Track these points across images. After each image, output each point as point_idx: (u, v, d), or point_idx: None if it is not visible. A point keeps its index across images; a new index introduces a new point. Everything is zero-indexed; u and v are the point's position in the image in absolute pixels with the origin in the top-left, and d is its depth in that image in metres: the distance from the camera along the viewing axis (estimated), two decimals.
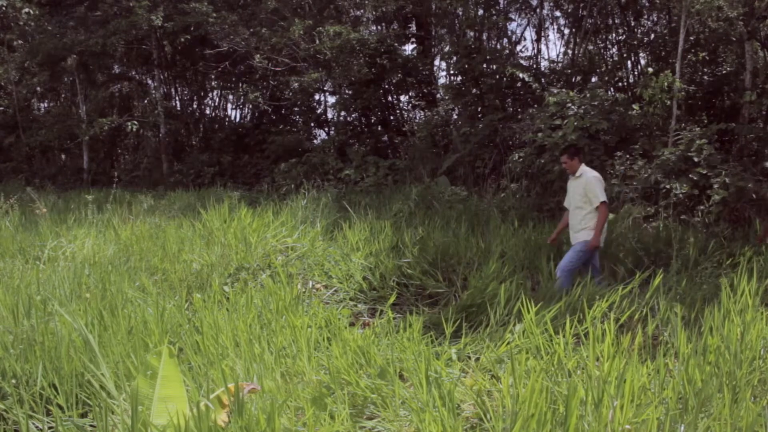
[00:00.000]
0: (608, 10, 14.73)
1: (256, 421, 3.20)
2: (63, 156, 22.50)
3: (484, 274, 6.58)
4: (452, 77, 16.73)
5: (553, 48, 43.21)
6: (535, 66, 15.69)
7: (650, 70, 12.58)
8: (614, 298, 5.31)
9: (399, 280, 7.31)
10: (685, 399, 3.55)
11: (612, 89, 14.22)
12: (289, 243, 8.39)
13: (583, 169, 6.97)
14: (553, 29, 19.01)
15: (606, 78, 14.45)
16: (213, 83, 21.41)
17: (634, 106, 11.34)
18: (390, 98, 18.51)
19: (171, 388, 3.39)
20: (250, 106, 19.96)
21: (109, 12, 18.48)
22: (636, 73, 14.53)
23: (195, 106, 22.04)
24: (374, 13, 17.38)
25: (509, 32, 16.59)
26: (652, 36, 14.26)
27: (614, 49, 15.31)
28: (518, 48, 16.59)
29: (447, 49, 16.74)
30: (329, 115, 19.76)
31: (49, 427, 3.75)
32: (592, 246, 6.72)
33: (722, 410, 3.36)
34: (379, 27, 18.26)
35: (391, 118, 18.68)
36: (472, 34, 15.83)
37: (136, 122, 18.74)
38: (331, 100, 19.33)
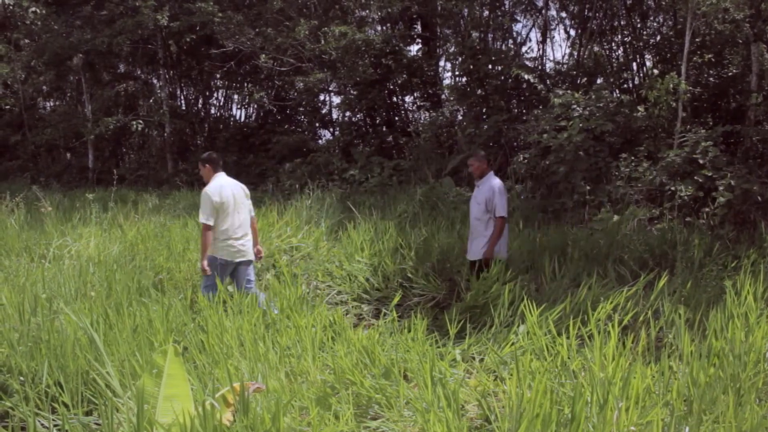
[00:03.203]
0: (614, 11, 14.71)
1: (261, 421, 3.21)
2: (68, 155, 22.58)
3: (487, 275, 6.58)
4: (457, 78, 16.73)
5: (559, 49, 43.19)
6: (540, 67, 15.67)
7: (656, 71, 12.57)
8: (619, 300, 5.31)
9: (403, 281, 7.32)
10: (689, 401, 3.55)
11: (617, 91, 14.19)
12: (294, 243, 8.41)
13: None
14: (559, 30, 18.97)
15: (611, 79, 14.42)
16: (218, 83, 21.45)
17: (640, 108, 11.31)
18: (395, 99, 18.51)
19: (176, 386, 3.41)
20: (255, 106, 19.99)
21: (115, 11, 18.53)
22: (641, 74, 14.50)
23: (200, 106, 22.09)
24: (379, 13, 17.37)
25: (514, 33, 16.58)
26: (658, 37, 14.23)
27: (620, 51, 15.28)
28: (523, 49, 16.58)
29: (452, 49, 16.71)
30: (334, 116, 19.79)
31: (55, 425, 3.77)
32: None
33: (727, 412, 3.36)
34: (384, 27, 18.25)
35: (396, 118, 18.68)
36: (477, 34, 15.81)
37: (141, 121, 18.78)
38: (336, 100, 19.37)
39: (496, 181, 6.50)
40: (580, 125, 10.75)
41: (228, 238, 5.96)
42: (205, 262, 5.88)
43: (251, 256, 6.21)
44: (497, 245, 6.45)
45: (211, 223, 5.81)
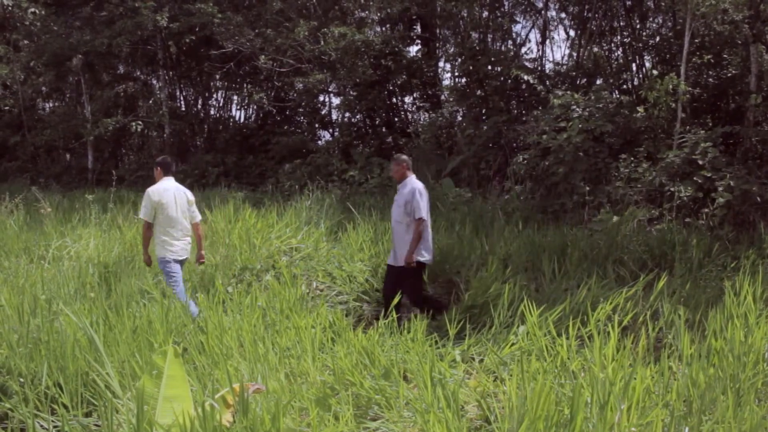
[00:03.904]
0: (613, 12, 14.72)
1: (261, 422, 3.21)
2: (68, 156, 22.56)
3: (487, 275, 6.59)
4: (457, 79, 16.74)
5: (558, 50, 43.24)
6: (539, 68, 15.68)
7: (655, 72, 12.56)
8: (618, 301, 5.31)
9: None
10: (689, 401, 3.56)
11: (617, 91, 14.20)
12: (294, 244, 8.41)
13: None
14: (558, 31, 18.99)
15: (611, 80, 14.43)
16: (218, 84, 21.42)
17: (639, 109, 11.31)
18: (394, 99, 18.52)
19: (176, 387, 3.41)
20: (255, 107, 19.97)
21: (115, 12, 18.52)
22: (641, 75, 14.51)
23: (200, 107, 22.08)
24: (379, 14, 17.38)
25: (514, 34, 16.60)
26: (657, 38, 14.24)
27: (619, 52, 15.29)
28: (523, 50, 16.59)
29: (452, 50, 16.74)
30: (334, 116, 19.79)
31: (54, 426, 3.77)
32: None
33: (726, 413, 3.36)
34: (383, 28, 18.26)
35: (396, 119, 18.68)
36: (476, 35, 15.83)
37: (140, 122, 18.77)
38: (336, 101, 19.36)
39: (417, 184, 6.37)
40: (580, 126, 10.75)
41: (166, 237, 6.38)
42: (147, 256, 6.45)
43: (186, 256, 6.61)
44: (418, 248, 6.24)
45: (149, 220, 6.31)
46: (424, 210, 6.25)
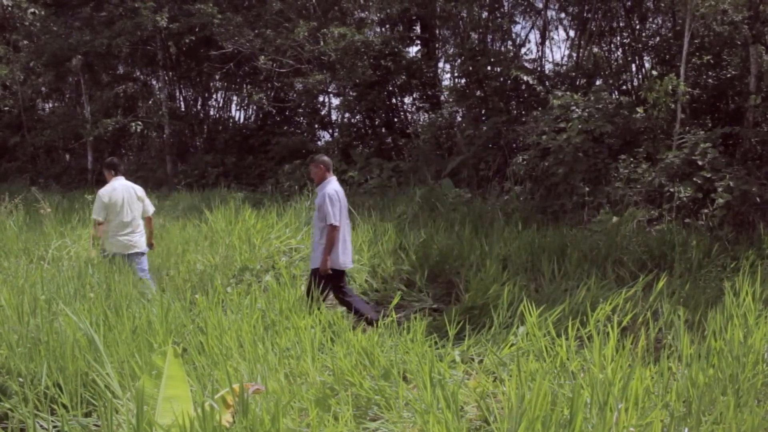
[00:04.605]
0: (613, 12, 14.72)
1: (261, 422, 3.21)
2: (67, 156, 22.54)
3: (486, 276, 6.58)
4: (456, 79, 16.73)
5: (558, 50, 43.25)
6: (539, 68, 15.68)
7: (655, 73, 12.56)
8: (618, 301, 5.31)
9: (402, 283, 7.32)
10: (689, 402, 3.56)
11: (616, 92, 14.20)
12: (293, 244, 8.41)
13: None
14: (558, 32, 18.99)
15: (610, 81, 14.43)
16: (217, 84, 21.42)
17: (639, 109, 11.32)
18: (394, 100, 18.52)
19: (176, 388, 3.40)
20: (255, 108, 19.97)
21: (115, 13, 18.52)
22: (640, 76, 14.51)
23: (199, 107, 22.07)
24: (379, 14, 17.39)
25: (513, 35, 16.60)
26: (657, 39, 14.25)
27: (619, 52, 15.30)
28: (522, 50, 16.58)
29: (451, 51, 16.74)
30: (333, 117, 19.78)
31: (54, 427, 3.76)
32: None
33: (726, 413, 3.36)
34: (383, 29, 18.26)
35: (395, 120, 18.68)
36: (476, 36, 15.83)
37: (140, 123, 18.76)
38: (336, 101, 19.36)
39: (329, 188, 6.14)
40: (579, 126, 10.76)
41: (117, 234, 6.84)
42: (94, 252, 6.90)
43: (142, 248, 7.03)
44: (333, 255, 6.05)
45: (101, 218, 6.78)
46: (336, 216, 6.02)
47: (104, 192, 6.84)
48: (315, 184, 6.48)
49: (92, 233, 6.91)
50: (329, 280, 6.06)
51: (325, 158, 6.40)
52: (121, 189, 6.90)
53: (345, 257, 6.22)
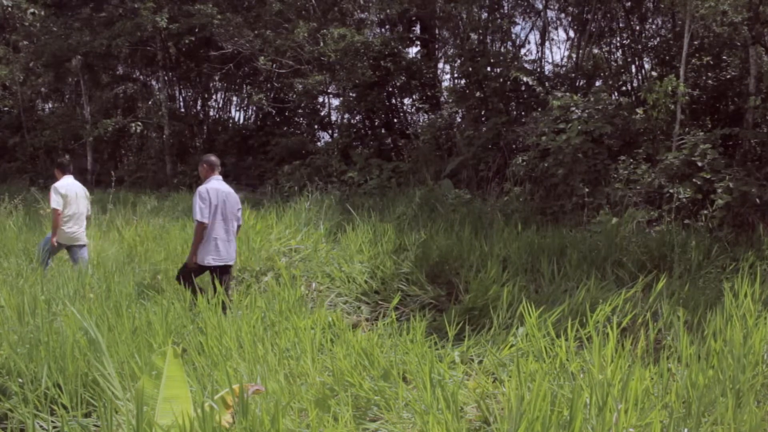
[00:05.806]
0: (613, 13, 14.73)
1: (260, 422, 3.20)
2: (67, 156, 22.52)
3: (486, 277, 6.58)
4: (456, 80, 16.73)
5: (557, 51, 43.23)
6: (539, 69, 15.69)
7: (654, 74, 12.58)
8: (617, 302, 5.31)
9: (402, 284, 7.31)
10: (688, 403, 3.56)
11: (616, 93, 14.20)
12: (293, 245, 8.41)
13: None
14: (558, 33, 18.99)
15: (610, 82, 14.44)
16: (217, 85, 21.44)
17: (638, 110, 11.33)
18: (394, 101, 18.51)
19: (176, 388, 3.40)
20: (254, 108, 19.98)
21: (114, 13, 18.52)
22: (640, 77, 14.52)
23: (199, 108, 22.08)
24: (378, 15, 17.39)
25: (513, 35, 16.61)
26: (657, 40, 14.26)
27: (618, 53, 15.30)
28: (522, 51, 16.59)
29: (451, 52, 16.75)
30: (333, 118, 19.79)
31: (54, 427, 3.76)
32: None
33: (725, 414, 3.37)
34: (383, 29, 18.26)
35: (395, 120, 18.67)
36: (476, 37, 15.83)
37: (140, 123, 18.78)
38: (335, 102, 19.37)
39: (205, 185, 6.25)
40: (579, 127, 10.76)
41: (65, 225, 7.38)
42: (55, 239, 7.35)
43: (84, 241, 7.65)
44: (204, 251, 6.16)
45: (60, 207, 7.32)
46: (204, 213, 6.10)
47: (60, 185, 7.45)
48: (202, 182, 6.52)
49: (54, 224, 7.37)
50: (194, 273, 6.23)
51: (212, 158, 6.54)
52: (73, 186, 7.56)
53: (216, 255, 6.23)
